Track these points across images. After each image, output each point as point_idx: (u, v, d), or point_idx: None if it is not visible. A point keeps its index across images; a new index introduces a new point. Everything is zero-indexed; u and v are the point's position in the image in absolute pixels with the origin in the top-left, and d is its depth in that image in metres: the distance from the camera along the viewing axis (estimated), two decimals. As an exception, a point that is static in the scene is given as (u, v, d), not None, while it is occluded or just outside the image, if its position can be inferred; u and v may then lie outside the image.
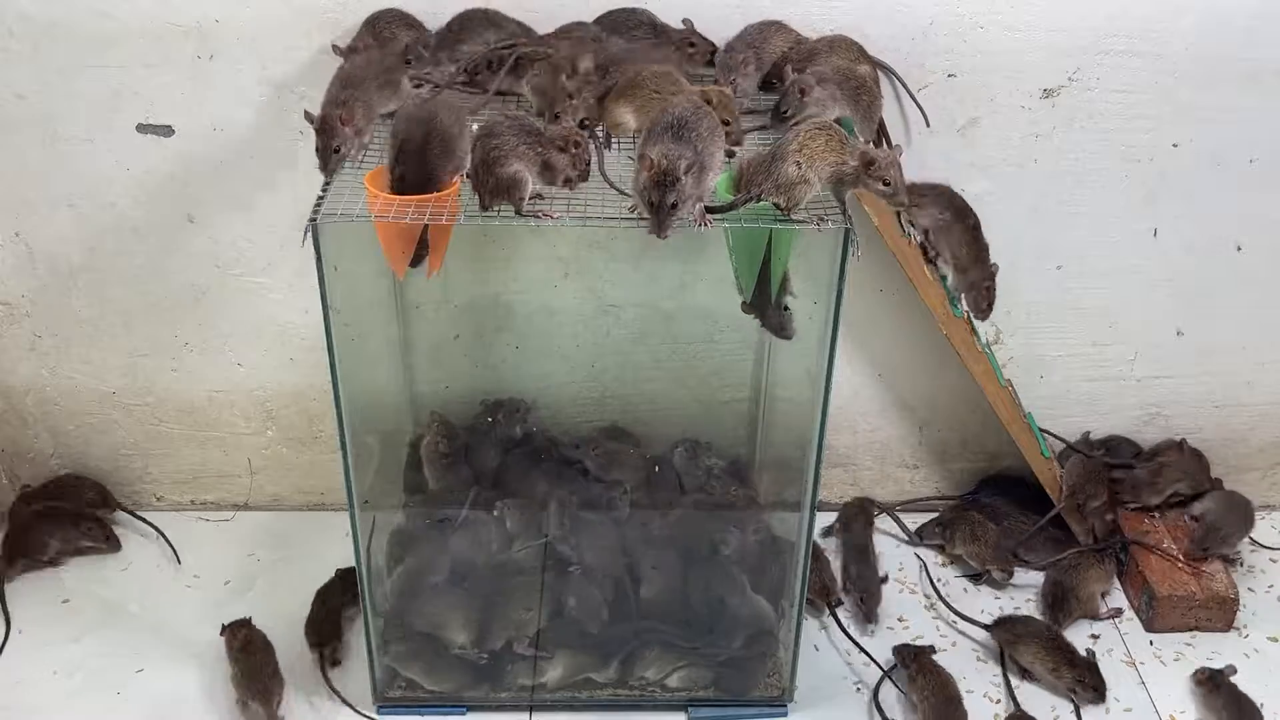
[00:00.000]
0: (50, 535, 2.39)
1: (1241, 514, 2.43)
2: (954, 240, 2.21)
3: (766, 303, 2.03)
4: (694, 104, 1.69)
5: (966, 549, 2.45)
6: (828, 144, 1.67)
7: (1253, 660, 2.27)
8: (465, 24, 2.01)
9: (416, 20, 2.03)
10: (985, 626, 2.27)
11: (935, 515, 2.58)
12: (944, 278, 2.26)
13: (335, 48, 2.02)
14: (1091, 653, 2.21)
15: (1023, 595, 2.42)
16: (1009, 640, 2.22)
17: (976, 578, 2.45)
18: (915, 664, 2.16)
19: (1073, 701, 2.15)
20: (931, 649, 2.20)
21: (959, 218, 2.21)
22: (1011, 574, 2.42)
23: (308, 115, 1.74)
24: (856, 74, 1.98)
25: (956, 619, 2.33)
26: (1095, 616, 2.36)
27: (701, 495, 2.34)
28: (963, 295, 2.25)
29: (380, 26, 2.00)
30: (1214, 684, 2.16)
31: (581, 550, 2.20)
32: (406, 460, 2.42)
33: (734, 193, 1.76)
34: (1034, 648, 2.18)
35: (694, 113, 1.65)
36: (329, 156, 1.72)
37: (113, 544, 2.44)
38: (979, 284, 2.23)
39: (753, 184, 1.66)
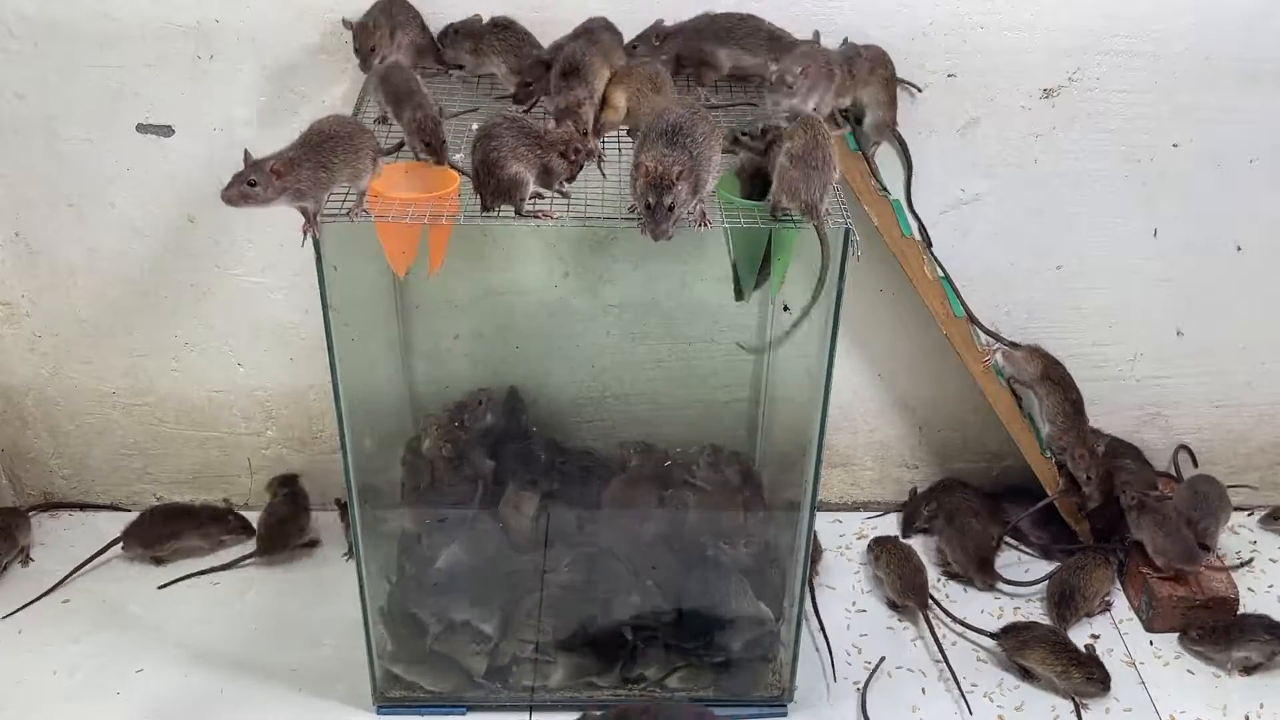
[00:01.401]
0: (176, 535, 2.44)
1: (1206, 500, 2.42)
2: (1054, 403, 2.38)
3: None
4: (691, 108, 1.70)
5: (954, 556, 2.46)
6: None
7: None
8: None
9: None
10: (991, 635, 2.27)
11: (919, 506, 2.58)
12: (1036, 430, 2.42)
13: (345, 21, 1.99)
14: (1090, 647, 2.23)
15: (1022, 595, 2.43)
16: (1015, 647, 2.21)
17: (959, 579, 2.47)
18: (879, 547, 2.41)
19: (1073, 701, 2.16)
20: (896, 538, 2.47)
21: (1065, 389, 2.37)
22: (993, 585, 2.42)
23: (246, 155, 1.63)
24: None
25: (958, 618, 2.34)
26: (1092, 613, 2.36)
27: (703, 493, 2.34)
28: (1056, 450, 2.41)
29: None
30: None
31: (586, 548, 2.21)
32: (406, 461, 2.42)
33: (739, 193, 1.77)
34: (1041, 652, 2.18)
35: (690, 118, 1.66)
36: (239, 183, 1.60)
37: (250, 530, 2.49)
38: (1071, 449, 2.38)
39: (815, 209, 1.68)
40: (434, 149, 1.75)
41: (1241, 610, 2.33)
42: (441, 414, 2.41)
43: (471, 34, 2.03)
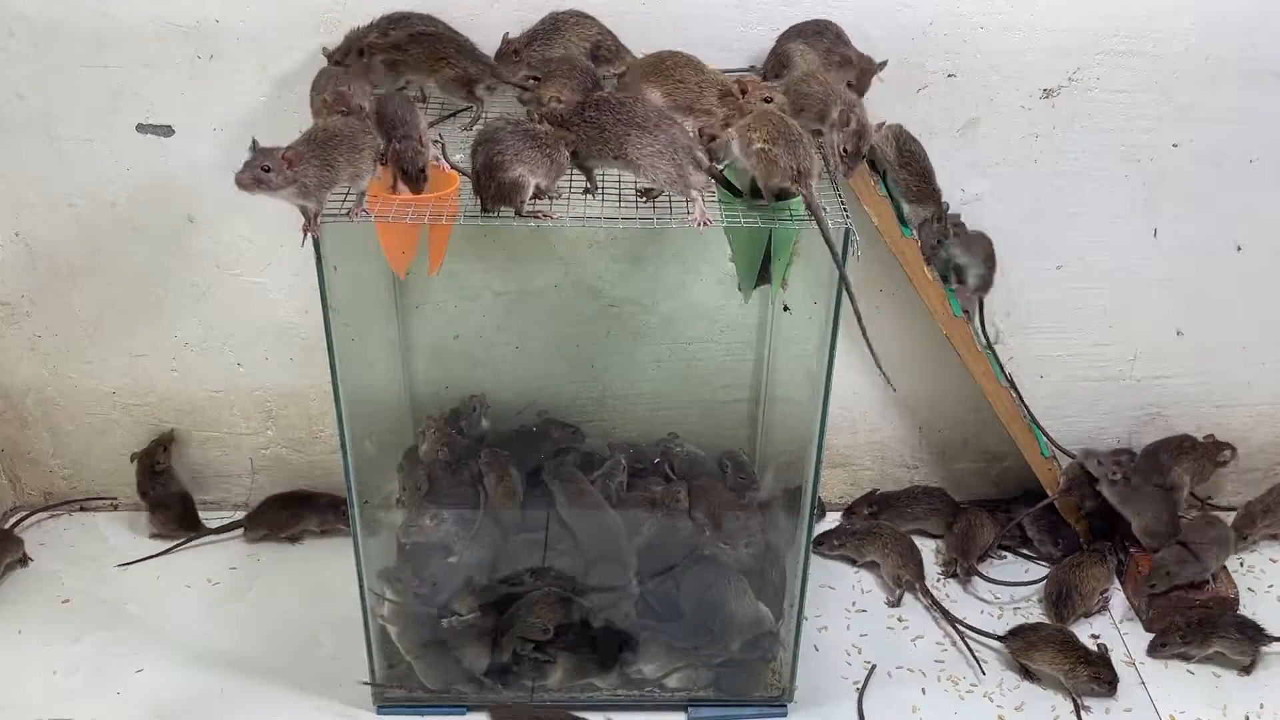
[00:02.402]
0: (299, 516, 2.51)
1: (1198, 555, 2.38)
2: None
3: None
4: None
5: (948, 541, 2.50)
6: None
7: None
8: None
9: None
10: (999, 638, 2.27)
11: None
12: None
13: (325, 50, 1.99)
14: (1102, 646, 2.22)
15: (1021, 594, 2.43)
16: (1022, 648, 2.21)
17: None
18: (858, 534, 2.47)
19: (1074, 701, 2.16)
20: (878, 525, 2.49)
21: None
22: (970, 575, 2.44)
23: (254, 143, 1.62)
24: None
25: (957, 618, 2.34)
26: (1090, 612, 2.36)
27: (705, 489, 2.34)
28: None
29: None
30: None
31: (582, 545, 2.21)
32: (405, 462, 2.42)
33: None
34: (1049, 652, 2.18)
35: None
36: (253, 168, 1.59)
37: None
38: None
39: (805, 176, 1.69)
40: (411, 177, 1.71)
41: (1241, 610, 2.34)
42: (439, 418, 2.41)
43: (372, 49, 1.97)
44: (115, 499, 2.60)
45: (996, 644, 2.27)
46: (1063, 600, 2.33)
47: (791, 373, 2.30)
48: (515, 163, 1.64)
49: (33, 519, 2.55)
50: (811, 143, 1.70)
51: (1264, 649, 2.24)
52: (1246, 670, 2.24)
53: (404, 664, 2.12)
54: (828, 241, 1.67)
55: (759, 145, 1.69)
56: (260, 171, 1.60)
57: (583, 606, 2.13)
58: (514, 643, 2.12)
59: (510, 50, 2.00)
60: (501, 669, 2.12)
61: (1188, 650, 2.25)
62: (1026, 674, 2.22)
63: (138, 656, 2.22)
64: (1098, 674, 2.15)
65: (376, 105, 1.82)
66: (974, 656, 2.24)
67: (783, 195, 1.71)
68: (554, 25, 2.00)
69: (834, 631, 2.32)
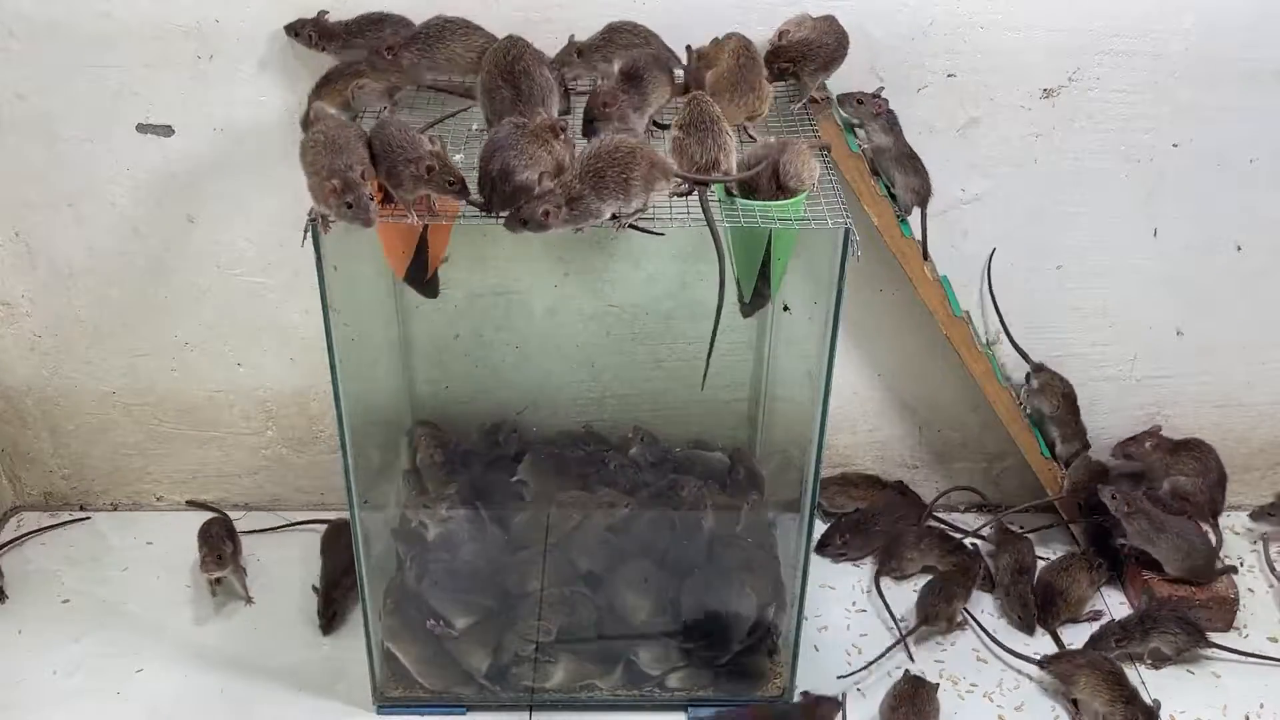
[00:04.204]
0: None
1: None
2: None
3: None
4: None
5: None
6: None
7: (1252, 660, 2.27)
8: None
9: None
10: (1039, 663, 2.20)
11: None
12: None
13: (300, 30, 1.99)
14: (1156, 702, 2.09)
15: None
16: (1066, 672, 2.14)
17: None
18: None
19: (1074, 703, 2.15)
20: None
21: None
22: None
23: (331, 190, 1.61)
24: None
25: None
26: (1077, 619, 2.35)
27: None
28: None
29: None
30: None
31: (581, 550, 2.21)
32: (406, 462, 2.43)
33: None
34: (1094, 679, 2.10)
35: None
36: (365, 204, 1.60)
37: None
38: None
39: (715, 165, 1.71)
40: (459, 186, 1.65)
41: (1240, 610, 2.34)
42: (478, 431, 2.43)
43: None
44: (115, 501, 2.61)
45: (996, 645, 2.28)
46: (1047, 605, 2.32)
47: (791, 373, 2.31)
48: (523, 168, 1.64)
49: (33, 519, 2.55)
50: (725, 124, 1.71)
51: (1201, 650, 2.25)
52: (1170, 661, 2.23)
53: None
54: (718, 246, 1.71)
55: (675, 132, 1.72)
56: (374, 205, 1.61)
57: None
58: (516, 644, 2.12)
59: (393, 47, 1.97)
60: (501, 670, 2.13)
61: (1128, 649, 2.21)
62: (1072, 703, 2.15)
63: (138, 656, 2.22)
64: (1132, 716, 2.05)
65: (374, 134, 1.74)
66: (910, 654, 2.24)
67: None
68: (439, 30, 1.96)
69: (834, 631, 2.33)
